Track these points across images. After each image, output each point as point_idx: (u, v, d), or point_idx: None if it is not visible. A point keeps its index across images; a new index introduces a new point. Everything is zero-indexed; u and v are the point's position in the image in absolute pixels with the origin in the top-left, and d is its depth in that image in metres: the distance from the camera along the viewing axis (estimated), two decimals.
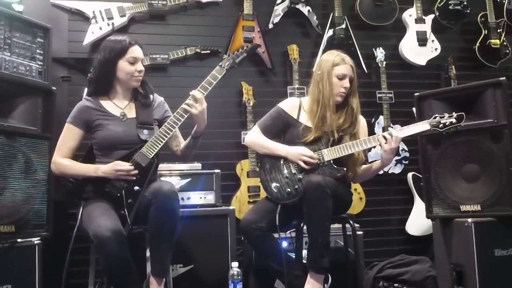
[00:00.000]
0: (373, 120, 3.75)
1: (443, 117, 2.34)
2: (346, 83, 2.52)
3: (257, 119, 2.75)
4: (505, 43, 4.06)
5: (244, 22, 3.64)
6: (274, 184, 2.50)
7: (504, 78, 2.48)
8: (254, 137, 2.62)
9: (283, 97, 2.86)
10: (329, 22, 3.79)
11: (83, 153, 2.41)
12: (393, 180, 3.86)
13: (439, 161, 2.59)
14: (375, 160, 2.64)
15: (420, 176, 2.82)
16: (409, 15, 3.95)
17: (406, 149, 3.80)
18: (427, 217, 2.66)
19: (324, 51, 3.44)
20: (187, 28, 3.69)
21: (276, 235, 2.42)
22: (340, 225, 2.79)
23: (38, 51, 2.40)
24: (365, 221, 3.62)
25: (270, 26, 3.74)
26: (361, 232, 3.04)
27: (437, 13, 4.00)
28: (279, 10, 3.75)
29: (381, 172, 3.65)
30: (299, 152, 2.45)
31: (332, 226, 2.44)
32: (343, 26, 3.78)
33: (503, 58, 4.06)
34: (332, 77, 2.52)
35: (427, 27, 3.94)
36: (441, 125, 2.33)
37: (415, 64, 3.94)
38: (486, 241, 2.40)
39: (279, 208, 2.42)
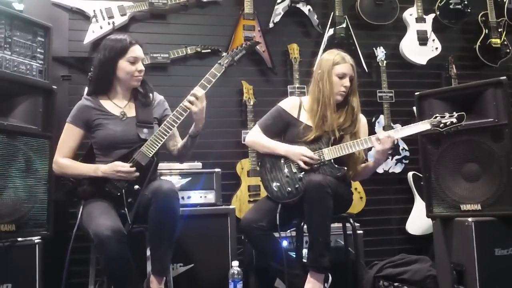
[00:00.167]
0: (373, 119, 3.75)
1: (444, 116, 2.34)
2: (346, 82, 2.52)
3: (258, 118, 2.75)
4: (505, 43, 4.06)
5: (245, 21, 3.64)
6: (274, 183, 2.50)
7: (504, 77, 2.48)
8: (255, 136, 2.62)
9: (283, 96, 2.86)
10: (329, 21, 3.79)
11: (83, 152, 2.41)
12: (394, 180, 3.86)
13: (439, 161, 2.59)
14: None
15: (421, 175, 2.82)
16: (410, 14, 3.95)
17: (407, 148, 3.80)
18: (428, 216, 2.66)
19: (324, 50, 3.44)
20: (188, 27, 3.69)
21: (276, 234, 2.42)
22: (340, 224, 2.79)
23: (38, 50, 2.40)
24: (366, 220, 3.62)
25: (271, 25, 3.74)
26: (361, 231, 3.05)
27: (438, 13, 4.00)
28: (279, 9, 3.75)
29: (381, 171, 3.69)
30: (299, 152, 2.45)
31: (332, 225, 2.44)
32: (344, 25, 3.78)
33: (503, 58, 4.06)
34: (332, 76, 2.52)
35: (427, 26, 3.93)
36: (442, 124, 2.33)
37: (416, 64, 3.94)
38: (486, 241, 2.40)
39: (280, 207, 2.42)
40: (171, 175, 2.90)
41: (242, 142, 3.47)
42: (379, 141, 2.39)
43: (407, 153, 3.80)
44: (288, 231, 2.84)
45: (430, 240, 2.83)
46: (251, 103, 3.55)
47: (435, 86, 3.15)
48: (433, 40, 3.94)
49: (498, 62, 4.06)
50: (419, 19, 3.93)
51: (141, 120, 2.38)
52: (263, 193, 2.74)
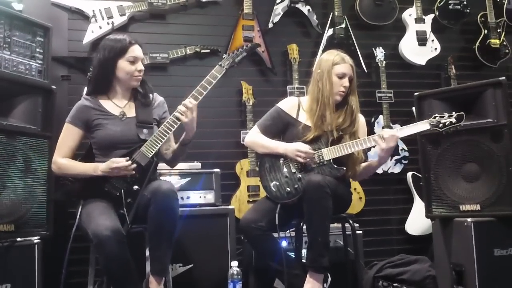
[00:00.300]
0: (372, 119, 3.75)
1: (443, 116, 2.34)
2: (345, 82, 2.52)
3: (257, 119, 2.75)
4: (504, 43, 4.06)
5: (244, 22, 3.64)
6: (273, 184, 2.50)
7: (504, 78, 2.48)
8: (254, 137, 2.62)
9: (283, 97, 2.86)
10: (329, 22, 3.79)
11: (82, 153, 2.41)
12: (393, 180, 3.86)
13: (438, 161, 2.59)
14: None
15: (420, 175, 2.82)
16: (409, 14, 3.96)
17: (406, 148, 3.80)
18: (427, 216, 2.66)
19: (324, 51, 3.44)
20: (187, 27, 3.69)
21: (275, 235, 2.42)
22: (339, 225, 2.79)
23: (38, 50, 2.39)
24: (365, 221, 3.62)
25: (270, 25, 3.74)
26: (360, 232, 3.04)
27: (437, 13, 4.01)
28: (279, 10, 3.75)
29: (380, 171, 3.68)
30: (295, 148, 2.45)
31: (331, 225, 2.44)
32: (343, 25, 3.79)
33: (503, 58, 4.06)
34: (331, 76, 2.52)
35: (427, 26, 3.94)
36: (441, 124, 2.33)
37: (415, 64, 3.95)
38: (485, 241, 2.40)
39: (279, 207, 2.42)
40: (171, 175, 2.89)
41: (242, 142, 3.47)
42: (383, 139, 2.38)
43: (407, 154, 3.81)
44: (288, 231, 2.84)
45: (430, 240, 2.84)
46: (251, 103, 3.55)
47: (434, 87, 3.15)
48: (432, 40, 3.94)
49: (498, 63, 4.06)
50: (419, 20, 3.94)
51: (141, 120, 2.38)
52: (263, 193, 2.74)
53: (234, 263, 2.54)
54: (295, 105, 2.63)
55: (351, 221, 2.60)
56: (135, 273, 2.12)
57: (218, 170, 3.01)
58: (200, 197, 2.93)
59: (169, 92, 2.80)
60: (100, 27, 3.39)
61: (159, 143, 2.26)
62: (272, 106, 2.67)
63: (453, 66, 3.92)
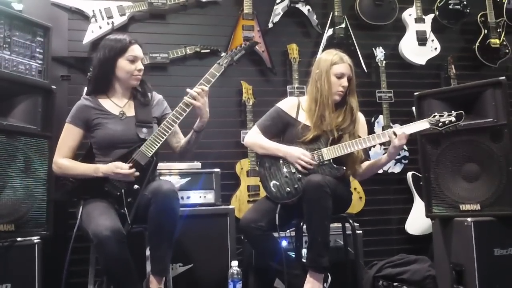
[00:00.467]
0: (372, 119, 3.75)
1: (443, 115, 2.34)
2: (344, 82, 2.52)
3: (257, 119, 2.75)
4: (504, 43, 4.06)
5: (244, 21, 3.64)
6: (273, 183, 2.50)
7: (503, 77, 2.48)
8: (254, 137, 2.62)
9: (282, 96, 2.86)
10: (329, 22, 3.79)
11: (83, 152, 2.41)
12: (393, 180, 3.86)
13: (438, 161, 2.59)
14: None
15: (420, 175, 2.82)
16: (409, 14, 3.96)
17: (406, 148, 3.80)
18: (427, 216, 2.66)
19: (323, 51, 3.44)
20: (187, 27, 3.69)
21: (276, 234, 2.42)
22: (339, 224, 2.79)
23: (38, 50, 2.40)
24: (365, 220, 3.63)
25: (270, 25, 3.74)
26: (360, 231, 3.04)
27: (437, 13, 4.01)
28: (279, 10, 3.75)
29: (380, 171, 3.67)
30: (297, 156, 2.45)
31: (331, 225, 2.44)
32: (343, 25, 3.79)
33: (502, 58, 4.06)
34: (330, 76, 2.52)
35: (427, 26, 3.94)
36: (441, 123, 2.33)
37: (415, 64, 3.95)
38: (485, 241, 2.40)
39: (279, 207, 2.42)
40: (171, 175, 2.90)
41: (242, 142, 3.47)
42: (395, 136, 2.38)
43: (406, 153, 3.81)
44: (288, 231, 2.84)
45: (430, 240, 2.84)
46: (251, 103, 3.55)
47: (434, 86, 3.16)
48: (432, 40, 3.94)
49: (497, 62, 4.06)
50: (418, 20, 3.94)
51: (140, 120, 2.38)
52: (263, 193, 2.74)
53: (234, 263, 2.54)
54: (295, 105, 2.62)
55: (351, 221, 2.60)
56: (135, 273, 2.12)
57: (218, 170, 3.02)
58: (200, 197, 2.93)
59: (169, 92, 2.79)
60: (100, 27, 3.39)
61: (159, 142, 2.26)
62: (272, 106, 2.67)
63: (453, 66, 3.92)
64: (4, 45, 2.24)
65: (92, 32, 3.39)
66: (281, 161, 2.52)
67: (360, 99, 2.66)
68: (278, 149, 2.52)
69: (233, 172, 3.49)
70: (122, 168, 2.21)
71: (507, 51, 4.06)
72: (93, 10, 3.41)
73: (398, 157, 3.77)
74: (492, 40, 4.03)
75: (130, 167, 2.22)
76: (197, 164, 3.01)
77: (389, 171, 3.78)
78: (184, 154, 2.50)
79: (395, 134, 2.38)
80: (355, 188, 3.53)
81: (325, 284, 2.38)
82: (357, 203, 3.61)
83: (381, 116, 3.78)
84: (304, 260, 2.55)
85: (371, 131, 3.45)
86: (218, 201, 2.95)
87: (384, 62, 3.84)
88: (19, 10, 3.00)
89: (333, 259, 2.40)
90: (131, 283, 2.11)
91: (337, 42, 3.70)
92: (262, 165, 2.58)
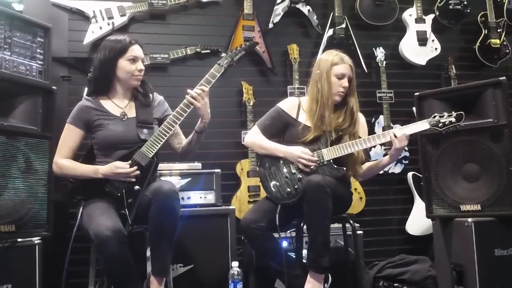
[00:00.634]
0: (373, 119, 3.75)
1: (443, 116, 2.34)
2: (345, 82, 2.52)
3: (257, 119, 2.75)
4: (505, 43, 4.06)
5: (244, 22, 3.64)
6: (273, 184, 2.50)
7: (504, 77, 2.48)
8: (254, 137, 2.62)
9: (283, 97, 2.86)
10: (329, 22, 3.79)
11: (83, 153, 2.41)
12: (393, 180, 3.86)
13: (439, 161, 2.59)
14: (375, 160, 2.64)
15: (420, 175, 2.82)
16: (409, 14, 3.96)
17: (406, 148, 3.79)
18: (427, 216, 2.66)
19: (324, 51, 3.44)
20: (187, 27, 3.69)
21: (276, 235, 2.42)
22: (340, 225, 2.79)
23: (38, 50, 2.40)
24: (365, 221, 3.63)
25: (270, 25, 3.74)
26: (361, 232, 3.05)
27: (437, 13, 4.00)
28: (279, 10, 3.75)
29: (381, 171, 3.68)
30: (297, 155, 2.45)
31: (332, 225, 2.44)
32: (343, 25, 3.79)
33: (503, 58, 4.06)
34: (331, 76, 2.52)
35: (427, 26, 3.94)
36: (441, 124, 2.34)
37: (415, 64, 3.95)
38: (486, 241, 2.39)
39: (279, 208, 2.42)
40: (171, 175, 2.89)
41: (242, 143, 3.48)
42: (396, 138, 2.38)
43: (407, 154, 3.81)
44: (288, 231, 2.85)
45: (430, 240, 2.84)
46: (251, 103, 3.55)
47: (434, 87, 3.15)
48: (433, 40, 3.94)
49: (498, 63, 4.06)
50: (419, 20, 3.94)
51: (141, 121, 2.38)
52: (263, 193, 2.74)
53: (235, 263, 2.54)
54: (295, 105, 2.63)
55: (351, 221, 2.60)
56: (136, 274, 2.12)
57: (218, 170, 3.01)
58: (201, 197, 2.92)
59: (170, 93, 2.79)
60: (101, 28, 3.40)
61: (160, 143, 2.27)
62: (273, 107, 2.67)
63: (453, 66, 3.92)
64: (5, 46, 2.24)
65: (92, 33, 3.39)
66: (281, 162, 2.52)
67: (361, 99, 2.66)
68: (278, 149, 2.53)
69: (234, 173, 3.49)
70: (122, 167, 2.21)
71: (508, 51, 4.06)
72: (94, 11, 3.41)
73: (398, 157, 3.77)
74: (493, 40, 4.03)
75: (131, 166, 2.22)
76: (197, 165, 3.01)
77: (390, 171, 3.78)
78: (185, 154, 2.50)
79: (395, 135, 2.38)
80: (355, 189, 3.53)
81: (325, 284, 2.38)
82: (357, 204, 3.61)
83: (381, 117, 3.78)
84: (304, 261, 2.55)
85: (371, 131, 3.45)
86: (218, 202, 2.95)
87: (384, 62, 3.84)
88: (20, 10, 3.00)
89: (334, 259, 2.40)
90: (131, 284, 2.11)
91: (337, 43, 3.69)
92: (262, 165, 2.58)
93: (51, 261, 2.35)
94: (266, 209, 2.45)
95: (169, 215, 2.18)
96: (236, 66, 2.47)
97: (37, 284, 2.16)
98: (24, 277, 2.13)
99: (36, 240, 2.20)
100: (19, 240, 2.14)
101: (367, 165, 2.60)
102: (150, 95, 2.47)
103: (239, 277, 2.49)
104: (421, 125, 2.40)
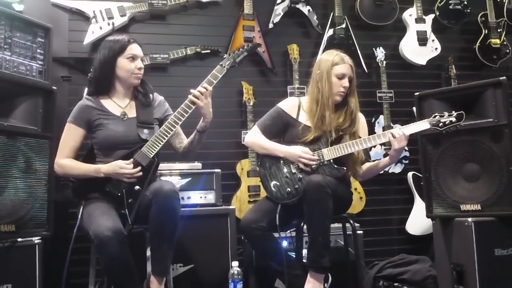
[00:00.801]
0: (373, 119, 3.75)
1: (443, 116, 2.34)
2: (345, 82, 2.52)
3: (257, 119, 2.75)
4: (505, 43, 4.06)
5: (245, 22, 3.64)
6: (274, 184, 2.50)
7: (504, 77, 2.47)
8: (254, 137, 2.62)
9: (283, 97, 2.86)
10: (329, 22, 3.79)
11: (83, 153, 2.41)
12: (393, 180, 3.86)
13: (439, 161, 2.59)
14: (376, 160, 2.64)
15: (420, 175, 2.82)
16: (409, 14, 3.96)
17: (406, 148, 3.79)
18: (427, 216, 2.65)
19: (324, 51, 3.44)
20: (188, 27, 3.69)
21: (276, 235, 2.42)
22: (340, 225, 2.79)
23: (38, 50, 2.39)
24: (365, 221, 3.63)
25: (271, 25, 3.74)
26: (361, 232, 3.05)
27: (437, 13, 4.01)
28: (279, 10, 3.75)
29: (380, 172, 3.68)
30: (297, 154, 2.45)
31: (332, 225, 2.44)
32: (343, 25, 3.79)
33: (503, 58, 4.06)
34: (331, 76, 2.52)
35: (427, 26, 3.94)
36: (441, 124, 2.34)
37: (415, 64, 3.95)
38: (486, 241, 2.39)
39: (279, 207, 2.42)
40: (171, 175, 2.90)
41: (242, 143, 3.48)
42: (395, 139, 2.38)
43: (407, 153, 3.81)
44: (288, 231, 2.85)
45: (430, 240, 2.83)
46: (251, 103, 3.56)
47: (435, 87, 3.15)
48: (433, 40, 3.94)
49: (498, 63, 4.06)
50: (419, 20, 3.94)
51: (141, 121, 2.38)
52: (263, 193, 2.74)
53: (235, 263, 2.54)
54: (296, 105, 2.63)
55: (351, 221, 2.60)
56: (136, 274, 2.12)
57: (218, 170, 3.01)
58: (201, 197, 2.92)
59: (170, 93, 2.79)
60: (101, 28, 3.40)
61: (160, 143, 2.27)
62: (273, 107, 2.67)
63: (453, 66, 3.92)
64: (5, 46, 2.24)
65: (92, 33, 3.39)
66: (281, 161, 2.52)
67: (361, 99, 2.66)
68: (278, 149, 2.53)
69: (234, 173, 3.49)
70: (126, 167, 2.21)
71: (508, 51, 4.06)
72: (94, 11, 3.41)
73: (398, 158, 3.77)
74: (493, 40, 4.03)
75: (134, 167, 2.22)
76: (197, 165, 3.01)
77: (390, 171, 3.78)
78: (187, 154, 2.50)
79: (393, 136, 2.38)
80: (355, 189, 3.53)
81: (325, 284, 2.38)
82: (357, 203, 3.61)
83: (381, 116, 3.78)
84: (304, 261, 2.55)
85: (371, 131, 3.45)
86: (218, 202, 2.95)
87: (384, 62, 3.84)
88: (20, 11, 3.01)
89: (334, 259, 2.40)
90: (131, 284, 2.11)
91: (337, 43, 3.70)
92: (263, 165, 2.58)
93: (51, 261, 2.35)
94: (266, 209, 2.45)
95: (170, 216, 2.18)
96: (236, 66, 2.47)
97: (37, 284, 2.15)
98: (24, 277, 2.12)
99: (36, 240, 2.20)
100: (19, 240, 2.14)
101: (367, 165, 2.61)
102: (150, 95, 2.48)
103: (239, 277, 2.49)
104: (422, 125, 2.40)
